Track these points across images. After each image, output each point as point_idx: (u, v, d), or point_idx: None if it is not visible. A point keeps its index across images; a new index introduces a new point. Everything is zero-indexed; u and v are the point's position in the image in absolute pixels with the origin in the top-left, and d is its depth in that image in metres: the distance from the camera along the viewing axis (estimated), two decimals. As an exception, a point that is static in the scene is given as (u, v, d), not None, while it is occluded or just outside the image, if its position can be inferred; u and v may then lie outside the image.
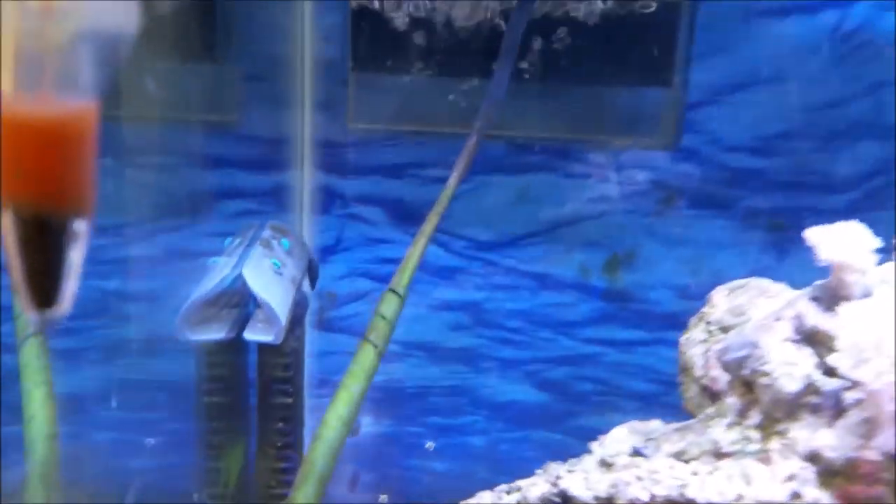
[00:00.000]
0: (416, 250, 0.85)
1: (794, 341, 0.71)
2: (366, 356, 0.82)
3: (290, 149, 1.27)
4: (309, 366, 1.20)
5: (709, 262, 1.30)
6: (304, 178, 1.29)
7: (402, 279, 0.84)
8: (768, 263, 1.28)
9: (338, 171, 1.29)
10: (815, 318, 0.70)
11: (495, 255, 1.33)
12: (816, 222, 1.25)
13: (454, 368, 1.38)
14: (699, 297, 1.30)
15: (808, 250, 1.17)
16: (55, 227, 0.28)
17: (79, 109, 0.26)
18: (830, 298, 0.71)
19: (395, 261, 1.33)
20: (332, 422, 0.77)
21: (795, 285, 0.80)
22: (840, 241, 0.72)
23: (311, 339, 1.28)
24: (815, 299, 0.72)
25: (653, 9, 1.06)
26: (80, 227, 0.28)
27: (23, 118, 0.26)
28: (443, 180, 1.30)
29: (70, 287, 0.30)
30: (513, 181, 1.29)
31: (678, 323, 1.31)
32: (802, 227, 1.25)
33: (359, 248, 1.33)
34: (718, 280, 1.28)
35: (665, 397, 1.23)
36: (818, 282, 0.74)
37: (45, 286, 0.29)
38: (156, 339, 1.30)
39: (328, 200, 1.31)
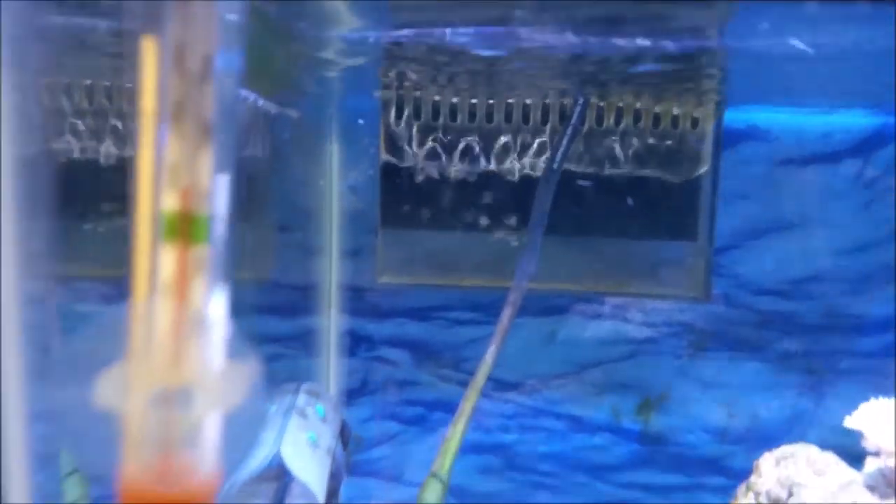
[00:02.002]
0: (456, 432, 0.86)
1: (851, 531, 0.72)
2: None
3: (318, 295, 1.30)
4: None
5: (745, 404, 1.30)
6: (332, 323, 1.32)
7: (443, 463, 0.85)
8: (806, 406, 1.29)
9: (364, 315, 1.32)
10: (873, 508, 0.71)
11: (524, 396, 1.34)
12: (852, 365, 1.27)
13: (485, 513, 1.38)
14: (738, 440, 1.31)
15: (845, 394, 1.18)
16: None
17: (199, 485, 0.28)
18: (886, 486, 0.72)
19: (421, 403, 1.35)
20: None
21: (835, 430, 0.81)
22: (885, 425, 0.73)
23: (338, 485, 1.28)
24: (870, 488, 0.73)
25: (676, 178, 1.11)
26: None
27: (143, 497, 0.28)
28: (468, 323, 1.33)
29: None
30: (540, 323, 1.31)
31: (717, 467, 1.32)
32: (838, 370, 1.27)
33: (384, 391, 1.35)
34: (756, 424, 1.29)
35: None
36: (870, 466, 0.74)
37: None
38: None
39: (354, 343, 1.33)
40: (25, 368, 0.31)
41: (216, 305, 0.29)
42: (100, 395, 0.28)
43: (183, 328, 0.28)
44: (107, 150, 1.12)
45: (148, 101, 0.26)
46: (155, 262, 0.28)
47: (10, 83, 0.28)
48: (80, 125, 1.12)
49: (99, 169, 1.13)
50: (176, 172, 0.28)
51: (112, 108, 1.12)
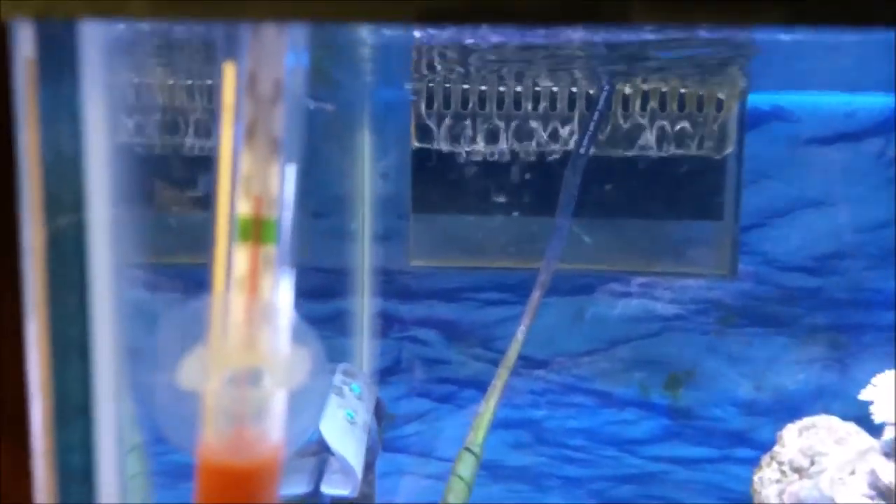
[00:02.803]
0: (489, 407, 0.90)
1: (870, 497, 0.75)
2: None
3: (351, 278, 1.34)
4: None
5: (772, 379, 1.33)
6: (364, 305, 1.36)
7: (476, 437, 0.90)
8: (831, 380, 1.31)
9: (396, 297, 1.36)
10: (889, 475, 0.74)
11: (553, 373, 1.37)
12: (876, 339, 1.29)
13: (516, 487, 1.41)
14: (764, 413, 1.34)
15: (870, 367, 1.20)
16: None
17: (267, 454, 0.33)
18: (901, 454, 0.75)
19: (452, 381, 1.39)
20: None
21: (860, 402, 0.84)
22: (891, 397, 0.76)
23: (373, 461, 1.32)
24: (887, 455, 0.76)
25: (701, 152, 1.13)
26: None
27: (219, 464, 0.32)
28: (497, 304, 1.37)
29: None
30: (569, 302, 1.34)
31: (745, 440, 1.35)
32: (863, 344, 1.29)
33: (416, 370, 1.38)
34: (783, 397, 1.32)
35: (736, 517, 1.26)
36: (888, 434, 0.78)
37: None
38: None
39: (387, 325, 1.37)
40: (118, 364, 0.35)
41: (282, 297, 0.33)
42: (182, 376, 0.32)
43: (254, 317, 0.32)
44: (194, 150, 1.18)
45: (226, 119, 0.31)
46: (231, 259, 0.32)
47: (103, 87, 0.32)
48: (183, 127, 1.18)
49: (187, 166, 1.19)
50: (249, 182, 0.32)
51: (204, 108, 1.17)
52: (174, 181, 1.19)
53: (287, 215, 0.33)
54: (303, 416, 0.33)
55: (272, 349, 0.32)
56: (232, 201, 0.32)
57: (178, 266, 1.13)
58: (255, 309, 0.32)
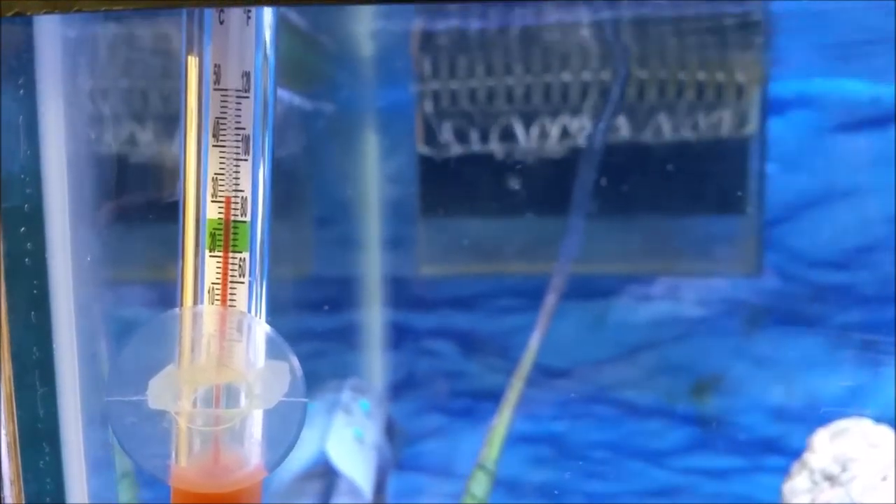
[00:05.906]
0: (502, 421, 0.88)
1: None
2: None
3: (360, 288, 1.33)
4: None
5: (802, 382, 1.30)
6: (375, 316, 1.34)
7: (490, 453, 0.88)
8: (864, 381, 1.28)
9: (407, 306, 1.34)
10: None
11: (574, 383, 1.35)
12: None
13: (538, 504, 1.39)
14: (796, 419, 1.31)
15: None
16: None
17: (246, 479, 0.31)
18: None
19: (469, 394, 1.38)
20: None
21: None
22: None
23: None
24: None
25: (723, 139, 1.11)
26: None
27: (194, 491, 0.31)
28: (514, 311, 1.35)
29: None
30: (588, 307, 1.32)
31: (776, 448, 1.32)
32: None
33: (431, 383, 1.37)
34: (814, 401, 1.29)
35: (767, 530, 1.23)
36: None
37: None
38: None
39: (399, 336, 1.35)
40: (80, 373, 0.34)
41: (257, 308, 0.32)
42: (151, 396, 0.31)
43: (227, 330, 0.31)
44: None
45: (191, 116, 0.29)
46: (200, 268, 0.31)
47: (57, 91, 0.30)
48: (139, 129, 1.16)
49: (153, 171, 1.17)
50: (217, 183, 0.31)
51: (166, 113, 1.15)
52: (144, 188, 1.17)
53: (262, 218, 0.31)
54: (284, 437, 0.31)
55: (247, 365, 0.31)
56: (201, 205, 0.31)
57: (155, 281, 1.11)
58: (227, 322, 0.31)
